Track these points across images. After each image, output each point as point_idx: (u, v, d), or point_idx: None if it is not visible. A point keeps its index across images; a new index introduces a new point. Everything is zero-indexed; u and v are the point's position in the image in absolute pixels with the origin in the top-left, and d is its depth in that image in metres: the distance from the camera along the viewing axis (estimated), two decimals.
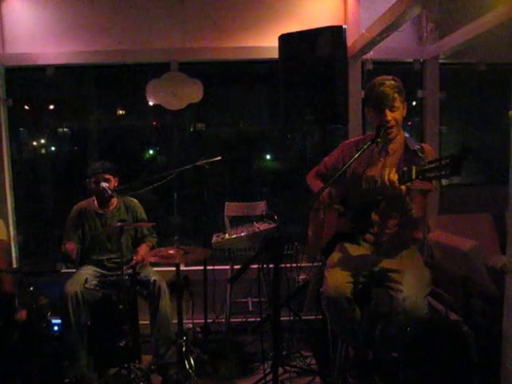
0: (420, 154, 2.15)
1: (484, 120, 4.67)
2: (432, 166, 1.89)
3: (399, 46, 3.84)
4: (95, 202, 3.48)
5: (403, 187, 2.09)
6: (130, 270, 3.21)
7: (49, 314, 3.29)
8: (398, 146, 2.52)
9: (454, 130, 4.85)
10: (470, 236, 2.99)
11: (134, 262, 3.28)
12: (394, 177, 2.08)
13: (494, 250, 3.23)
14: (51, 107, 4.80)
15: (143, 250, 3.41)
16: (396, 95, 2.41)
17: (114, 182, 3.41)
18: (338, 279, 2.43)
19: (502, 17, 2.95)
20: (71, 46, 3.85)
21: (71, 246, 3.28)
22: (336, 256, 2.59)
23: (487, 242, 3.23)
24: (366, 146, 2.36)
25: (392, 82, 2.42)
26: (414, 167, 2.00)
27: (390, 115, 2.43)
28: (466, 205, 3.83)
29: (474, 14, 3.30)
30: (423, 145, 2.42)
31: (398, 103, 2.43)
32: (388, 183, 2.11)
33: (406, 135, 2.58)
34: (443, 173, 1.83)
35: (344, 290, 2.39)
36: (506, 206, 2.24)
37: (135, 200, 3.57)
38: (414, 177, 2.00)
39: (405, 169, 2.07)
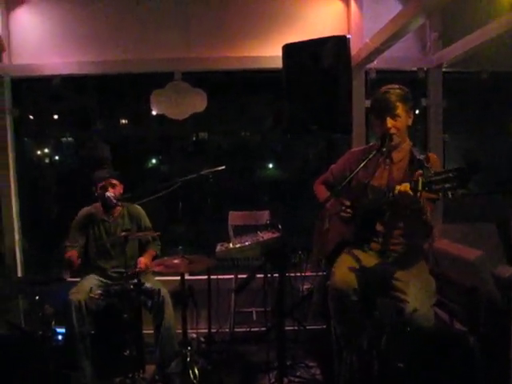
0: (426, 165, 2.15)
1: (488, 128, 4.67)
2: (439, 177, 1.88)
3: (403, 55, 3.86)
4: (101, 208, 3.49)
5: (418, 194, 2.05)
6: (135, 280, 3.20)
7: (53, 322, 3.29)
8: (404, 154, 2.52)
9: (458, 139, 4.85)
10: (474, 245, 2.98)
11: (138, 270, 3.25)
12: (406, 187, 2.06)
13: (499, 260, 3.22)
14: (56, 117, 4.82)
15: (146, 258, 3.38)
16: (399, 103, 2.41)
17: (119, 188, 3.43)
18: (346, 272, 2.43)
19: (505, 26, 2.97)
20: (76, 57, 3.88)
21: (73, 254, 3.29)
22: (344, 256, 2.59)
23: (492, 252, 3.21)
24: (371, 156, 2.36)
25: (397, 91, 2.43)
26: (420, 178, 1.99)
27: (390, 123, 2.43)
28: (471, 214, 3.82)
29: (476, 24, 3.31)
30: (429, 154, 2.43)
31: (400, 111, 2.43)
32: (400, 195, 2.09)
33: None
34: (450, 185, 1.82)
35: (352, 283, 2.39)
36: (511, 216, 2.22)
37: (139, 207, 3.57)
38: (420, 188, 1.99)
39: (412, 180, 2.05)
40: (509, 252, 3.37)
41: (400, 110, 2.43)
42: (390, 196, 2.23)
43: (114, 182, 3.41)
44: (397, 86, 2.46)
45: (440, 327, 2.85)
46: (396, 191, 2.13)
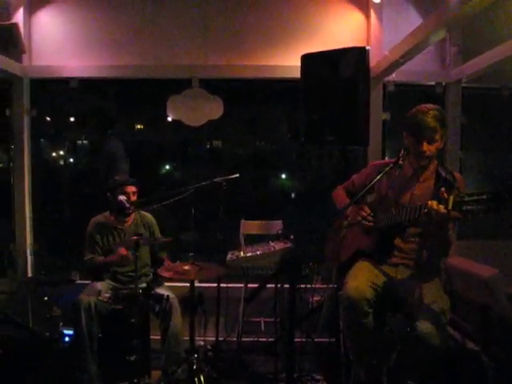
0: (456, 185, 2.11)
1: (506, 146, 4.61)
2: (471, 198, 1.84)
3: (422, 68, 3.83)
4: (112, 217, 3.48)
5: (452, 213, 1.98)
6: (145, 284, 3.20)
7: (61, 324, 3.29)
8: (430, 173, 2.49)
9: (475, 156, 4.80)
10: (489, 263, 2.93)
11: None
12: (439, 207, 2.02)
13: None
14: (72, 119, 4.87)
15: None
16: (438, 128, 2.35)
17: (136, 196, 3.42)
18: (360, 282, 2.39)
19: None
20: (95, 60, 3.92)
21: (123, 251, 3.25)
22: (358, 266, 2.56)
23: (507, 270, 3.15)
24: (387, 168, 2.33)
25: (436, 113, 2.36)
26: (451, 197, 1.95)
27: (426, 147, 2.37)
28: (486, 231, 3.76)
29: (498, 39, 3.28)
30: (454, 173, 2.42)
31: (437, 136, 2.37)
32: (431, 212, 2.06)
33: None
34: (482, 208, 1.77)
35: (365, 293, 2.35)
36: None
37: (150, 215, 3.57)
38: (450, 207, 1.95)
39: (442, 196, 2.01)
40: None
41: (438, 135, 2.37)
42: (418, 213, 2.19)
43: (135, 189, 3.40)
44: (435, 107, 2.38)
45: (452, 346, 2.80)
46: (426, 209, 2.09)
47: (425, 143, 2.37)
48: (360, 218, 2.56)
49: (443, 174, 2.36)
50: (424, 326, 2.18)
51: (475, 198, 1.81)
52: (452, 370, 2.55)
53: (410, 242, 2.50)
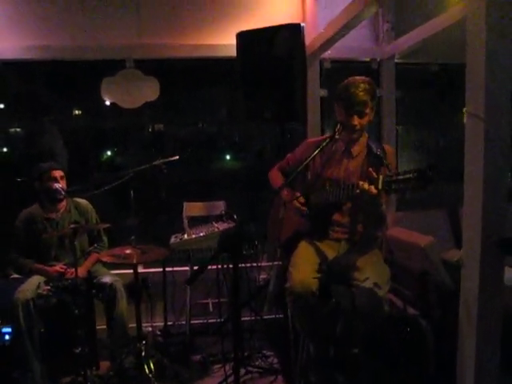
0: (385, 161, 2.17)
1: (439, 119, 4.80)
2: (399, 178, 1.89)
3: (357, 45, 3.88)
4: (42, 208, 3.30)
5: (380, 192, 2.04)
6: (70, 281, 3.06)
7: None
8: (361, 147, 2.53)
9: (410, 130, 4.96)
10: (426, 232, 3.05)
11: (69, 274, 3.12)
12: (370, 188, 2.05)
13: (449, 245, 3.31)
14: (1, 106, 4.60)
15: (83, 268, 3.24)
16: (368, 101, 2.37)
17: (64, 181, 3.28)
18: (304, 274, 2.40)
19: (455, 17, 3.02)
20: (22, 41, 3.65)
21: (62, 267, 3.17)
22: (300, 251, 2.58)
23: (442, 238, 3.31)
24: (324, 144, 2.35)
25: (366, 86, 2.37)
26: (380, 177, 1.99)
27: (357, 120, 2.40)
28: (423, 201, 3.92)
29: (428, 15, 3.37)
30: (384, 146, 2.47)
31: (368, 109, 2.40)
32: (363, 192, 2.09)
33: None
34: (409, 186, 1.83)
35: (310, 286, 2.36)
36: (460, 203, 2.29)
37: (85, 201, 3.42)
38: (380, 187, 2.00)
39: (372, 176, 2.05)
40: (457, 237, 3.49)
41: (368, 108, 2.40)
42: (351, 192, 2.22)
43: (63, 174, 3.26)
44: (366, 80, 2.40)
45: (393, 312, 2.91)
46: (358, 190, 2.12)
47: (355, 117, 2.39)
48: (294, 205, 2.54)
49: (374, 148, 2.41)
50: (366, 297, 2.25)
51: (402, 177, 1.87)
52: (394, 335, 2.65)
53: (348, 216, 2.54)
